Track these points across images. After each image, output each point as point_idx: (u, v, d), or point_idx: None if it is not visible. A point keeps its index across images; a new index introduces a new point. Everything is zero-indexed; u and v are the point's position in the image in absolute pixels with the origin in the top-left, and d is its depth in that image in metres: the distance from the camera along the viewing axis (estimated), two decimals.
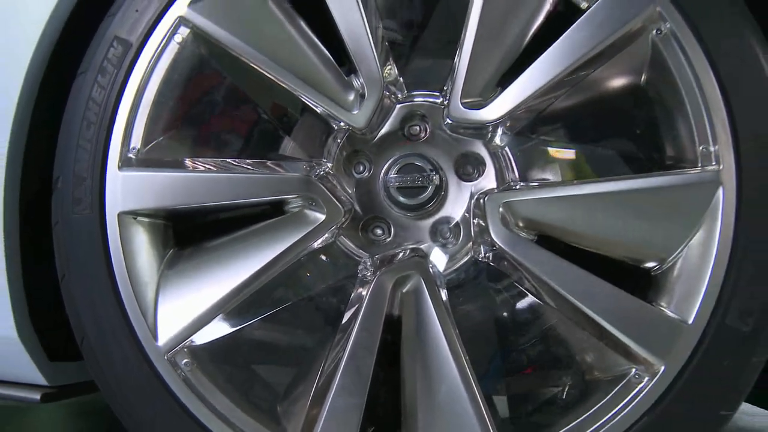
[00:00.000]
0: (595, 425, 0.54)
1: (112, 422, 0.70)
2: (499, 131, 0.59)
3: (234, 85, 0.60)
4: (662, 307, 0.55)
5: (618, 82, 0.58)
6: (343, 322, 0.57)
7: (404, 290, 0.58)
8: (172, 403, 0.57)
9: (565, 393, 0.56)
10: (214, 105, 0.61)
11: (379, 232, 0.62)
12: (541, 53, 0.57)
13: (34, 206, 0.63)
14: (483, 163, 0.61)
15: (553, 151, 0.60)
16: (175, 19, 0.58)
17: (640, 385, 0.53)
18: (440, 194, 0.60)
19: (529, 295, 0.58)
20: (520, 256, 0.55)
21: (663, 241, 0.55)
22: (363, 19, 0.57)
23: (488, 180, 0.61)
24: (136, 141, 0.58)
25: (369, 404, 0.56)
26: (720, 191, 0.54)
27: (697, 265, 0.54)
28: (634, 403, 0.53)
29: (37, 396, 0.64)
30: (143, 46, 0.59)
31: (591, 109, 0.60)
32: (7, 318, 0.59)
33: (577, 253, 0.58)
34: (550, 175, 0.60)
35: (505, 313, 0.59)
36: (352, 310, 0.57)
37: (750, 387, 0.54)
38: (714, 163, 0.54)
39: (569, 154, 0.60)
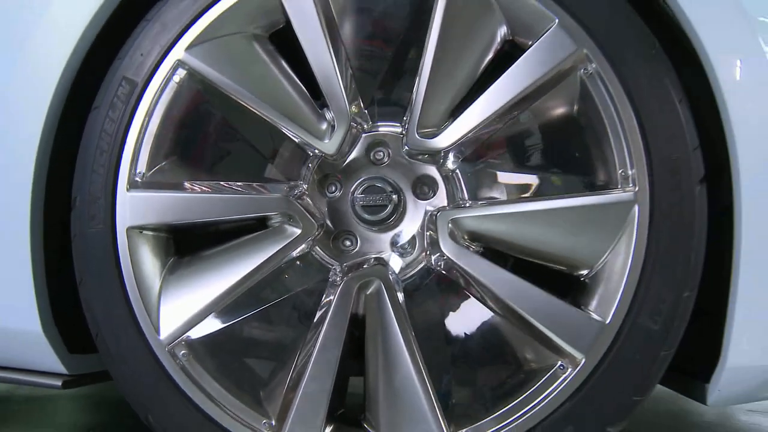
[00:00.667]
0: (528, 407, 0.63)
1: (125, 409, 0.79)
2: (450, 156, 0.68)
3: (225, 117, 0.70)
4: (587, 308, 0.64)
5: (554, 113, 0.68)
6: (315, 320, 0.67)
7: (368, 293, 0.67)
8: (172, 387, 0.67)
9: (504, 381, 0.66)
10: (207, 135, 0.71)
11: (347, 243, 0.72)
12: (487, 88, 0.66)
13: (57, 219, 0.73)
14: (436, 184, 0.70)
15: (498, 174, 0.69)
16: (174, 62, 0.68)
17: (564, 375, 0.62)
18: (399, 211, 0.69)
19: (471, 294, 0.68)
20: (465, 265, 0.65)
21: (588, 252, 0.64)
22: (333, 62, 0.67)
23: (440, 199, 0.70)
24: (142, 166, 0.68)
25: (339, 389, 0.66)
26: (636, 209, 0.63)
27: (616, 272, 0.63)
28: (559, 390, 0.63)
29: (59, 383, 0.75)
30: (147, 85, 0.69)
31: (530, 137, 0.69)
32: (33, 316, 0.70)
33: (522, 263, 0.68)
34: (495, 195, 0.69)
35: (454, 313, 0.68)
36: (323, 309, 0.67)
37: (659, 376, 0.63)
38: (631, 185, 0.63)
39: (512, 176, 0.69)
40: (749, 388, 0.66)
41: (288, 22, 0.68)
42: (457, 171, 0.69)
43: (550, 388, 0.63)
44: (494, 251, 0.68)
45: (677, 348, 0.63)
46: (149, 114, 0.69)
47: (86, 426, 1.11)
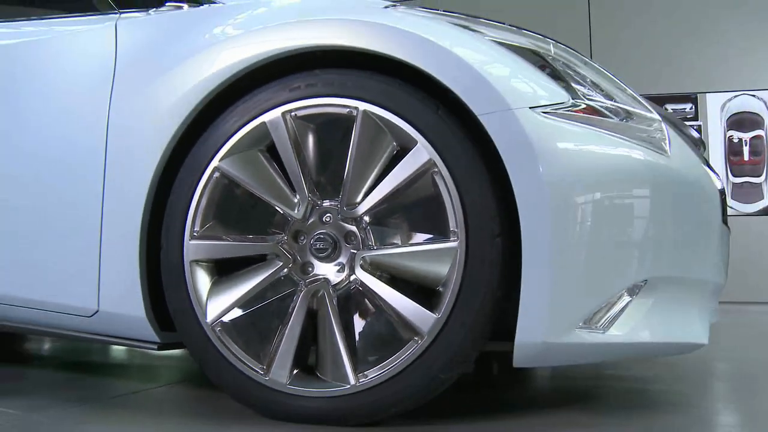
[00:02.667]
0: (399, 360, 1.11)
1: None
2: (364, 220, 1.19)
3: (242, 199, 1.25)
4: (436, 307, 1.13)
5: (419, 195, 1.16)
6: (289, 310, 1.20)
7: (318, 296, 1.19)
8: (213, 348, 1.22)
9: (386, 345, 1.14)
10: (232, 209, 1.26)
11: (309, 269, 1.23)
12: (382, 180, 1.17)
13: (153, 246, 1.30)
14: (356, 236, 1.20)
15: (390, 230, 1.19)
16: (213, 168, 1.24)
17: (417, 344, 1.11)
18: (336, 251, 1.20)
19: (374, 300, 1.18)
20: (369, 283, 1.15)
21: (436, 275, 1.13)
22: (298, 167, 1.19)
23: (357, 244, 1.20)
24: (197, 226, 1.24)
25: (300, 350, 1.18)
26: (458, 251, 1.11)
27: (449, 287, 1.11)
28: (414, 352, 1.11)
29: (155, 347, 1.32)
30: (199, 181, 1.24)
31: (406, 209, 1.18)
32: (141, 306, 1.27)
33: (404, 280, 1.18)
34: (391, 241, 1.19)
35: (361, 308, 1.19)
36: (293, 304, 1.20)
37: (475, 348, 1.11)
38: (456, 238, 1.11)
39: (397, 231, 1.19)
40: (534, 355, 1.12)
41: (274, 144, 1.22)
42: (368, 229, 1.20)
43: (410, 351, 1.11)
44: (389, 275, 1.18)
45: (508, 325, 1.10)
46: (200, 197, 1.24)
47: (173, 380, 1.69)
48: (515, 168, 1.09)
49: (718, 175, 1.61)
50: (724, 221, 1.49)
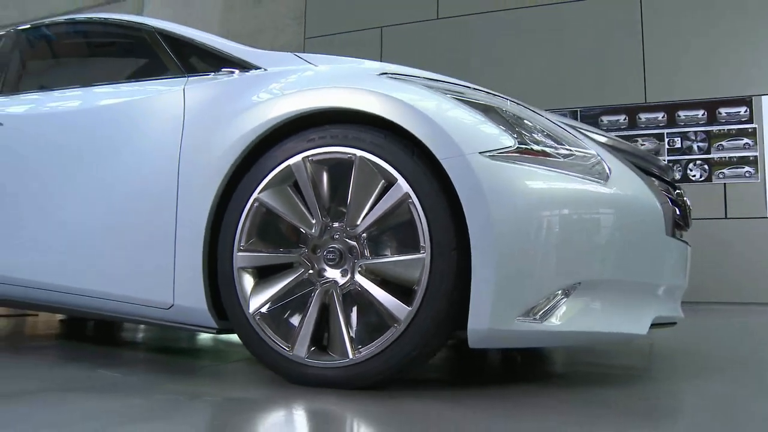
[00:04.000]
0: (383, 340, 1.51)
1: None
2: (362, 237, 1.60)
3: (275, 222, 1.68)
4: (408, 302, 1.52)
5: (398, 219, 1.56)
6: (307, 304, 1.62)
7: (329, 293, 1.61)
8: (254, 332, 1.66)
9: (375, 329, 1.54)
10: (268, 229, 1.69)
11: (323, 273, 1.64)
12: (373, 209, 1.57)
13: (212, 254, 1.76)
14: (356, 249, 1.61)
15: (379, 246, 1.59)
16: (254, 199, 1.68)
17: (396, 329, 1.50)
18: (342, 260, 1.61)
19: (368, 297, 1.58)
20: (363, 284, 1.56)
21: (411, 276, 1.52)
22: (314, 198, 1.62)
23: (357, 255, 1.61)
24: (242, 242, 1.68)
25: (316, 332, 1.60)
26: (426, 261, 1.49)
27: (420, 287, 1.50)
28: (394, 334, 1.50)
29: (214, 332, 1.78)
30: (244, 208, 1.69)
31: (391, 228, 1.58)
32: (204, 301, 1.73)
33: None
34: (383, 253, 1.59)
35: (359, 302, 1.60)
36: (311, 299, 1.62)
37: (441, 334, 1.49)
38: (424, 251, 1.50)
39: (383, 246, 1.59)
40: (482, 339, 1.48)
41: (297, 181, 1.65)
42: (365, 243, 1.60)
43: (390, 334, 1.50)
44: (379, 278, 1.58)
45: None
46: (245, 220, 1.68)
47: (231, 358, 2.15)
48: (466, 198, 1.46)
49: (673, 196, 1.92)
50: (673, 235, 1.80)
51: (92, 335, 3.08)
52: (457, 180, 1.48)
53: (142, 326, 3.31)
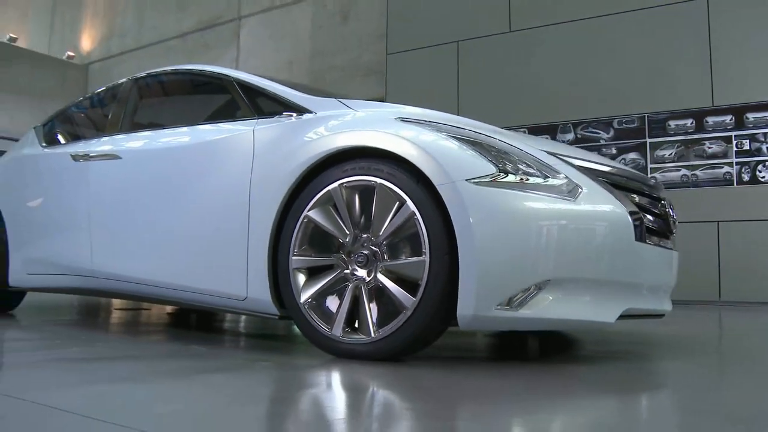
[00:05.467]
0: (396, 322, 1.99)
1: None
2: (383, 244, 2.09)
3: (321, 233, 2.21)
4: (414, 293, 1.99)
5: (408, 231, 2.04)
6: (343, 295, 2.13)
7: (357, 288, 2.11)
8: (304, 317, 2.18)
9: (390, 313, 2.02)
10: (315, 239, 2.22)
11: (354, 273, 2.14)
12: (391, 222, 2.06)
13: (274, 254, 2.30)
14: (379, 254, 2.10)
15: (393, 251, 2.08)
16: (304, 216, 2.21)
17: (404, 315, 1.98)
18: (369, 262, 2.10)
19: (385, 290, 2.07)
20: (382, 280, 2.06)
21: (416, 275, 1.99)
22: (347, 214, 2.13)
23: (380, 258, 2.10)
24: (296, 248, 2.22)
25: (350, 316, 2.11)
26: (426, 261, 1.97)
27: (421, 282, 1.97)
28: (405, 317, 1.98)
29: (276, 318, 2.33)
30: (298, 221, 2.22)
31: (404, 238, 2.06)
32: (269, 294, 2.28)
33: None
34: (398, 256, 2.08)
35: (380, 292, 2.08)
36: (346, 291, 2.13)
37: (440, 317, 1.96)
38: (425, 254, 1.97)
39: (397, 250, 2.08)
40: (469, 323, 1.94)
41: (336, 203, 2.17)
42: (384, 249, 2.09)
43: (401, 319, 1.99)
44: (394, 275, 2.07)
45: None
46: (298, 231, 2.22)
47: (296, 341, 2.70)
48: (455, 215, 1.93)
49: (658, 209, 2.30)
50: (643, 240, 2.17)
51: (194, 324, 3.74)
52: (449, 201, 1.94)
53: (228, 316, 3.95)
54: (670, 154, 6.63)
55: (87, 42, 14.67)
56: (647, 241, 2.20)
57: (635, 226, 2.13)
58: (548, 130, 7.37)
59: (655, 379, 2.03)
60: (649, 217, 2.30)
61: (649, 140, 6.76)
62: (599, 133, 7.04)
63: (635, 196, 2.29)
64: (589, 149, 6.83)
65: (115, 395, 1.54)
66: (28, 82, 13.51)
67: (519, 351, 2.64)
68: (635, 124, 6.84)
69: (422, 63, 8.54)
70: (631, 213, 2.13)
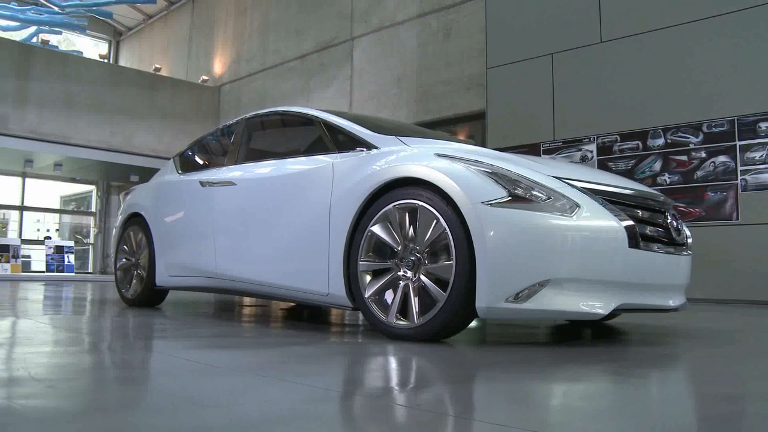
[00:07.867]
0: (432, 311, 2.62)
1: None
2: (425, 252, 2.73)
3: (382, 243, 2.88)
4: (445, 289, 2.60)
5: (441, 243, 2.66)
6: (397, 291, 2.78)
7: (406, 285, 2.76)
8: (368, 308, 2.86)
9: (429, 305, 2.65)
10: (376, 248, 2.90)
11: (405, 274, 2.77)
12: (426, 236, 2.69)
13: (347, 257, 3.00)
14: (422, 259, 2.74)
15: (432, 258, 2.72)
16: (369, 230, 2.89)
17: (437, 307, 2.60)
18: (415, 266, 2.73)
19: (425, 288, 2.70)
20: (423, 280, 2.69)
21: (447, 276, 2.61)
22: (400, 230, 2.79)
23: (422, 263, 2.74)
24: (363, 255, 2.90)
25: (403, 306, 2.76)
26: (453, 263, 2.58)
27: (449, 282, 2.59)
28: (436, 310, 2.60)
29: (351, 309, 3.03)
30: (364, 234, 2.91)
31: (438, 249, 2.69)
32: (344, 291, 2.98)
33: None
34: (437, 261, 2.71)
35: (423, 289, 2.72)
36: (398, 286, 2.78)
37: (464, 309, 2.56)
38: (453, 258, 2.58)
39: (435, 257, 2.71)
40: (484, 313, 2.53)
41: (391, 220, 2.83)
42: (425, 256, 2.73)
43: (435, 309, 2.61)
44: (432, 276, 2.70)
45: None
46: (364, 242, 2.91)
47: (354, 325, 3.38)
48: (473, 230, 2.53)
49: (662, 220, 2.78)
50: (638, 247, 2.66)
51: (306, 318, 4.55)
52: (469, 219, 2.55)
53: (323, 310, 4.72)
54: (761, 155, 6.69)
55: (218, 67, 16.32)
56: (643, 247, 2.68)
57: (629, 236, 2.62)
58: (639, 137, 7.61)
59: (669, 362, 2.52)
60: (650, 227, 2.77)
61: (739, 143, 6.85)
62: (689, 138, 7.21)
63: (638, 210, 2.77)
64: (679, 153, 7.06)
65: (245, 356, 2.30)
66: (170, 106, 15.29)
67: (548, 336, 3.17)
68: (725, 128, 6.95)
69: (519, 75, 9.01)
70: (626, 225, 2.63)
